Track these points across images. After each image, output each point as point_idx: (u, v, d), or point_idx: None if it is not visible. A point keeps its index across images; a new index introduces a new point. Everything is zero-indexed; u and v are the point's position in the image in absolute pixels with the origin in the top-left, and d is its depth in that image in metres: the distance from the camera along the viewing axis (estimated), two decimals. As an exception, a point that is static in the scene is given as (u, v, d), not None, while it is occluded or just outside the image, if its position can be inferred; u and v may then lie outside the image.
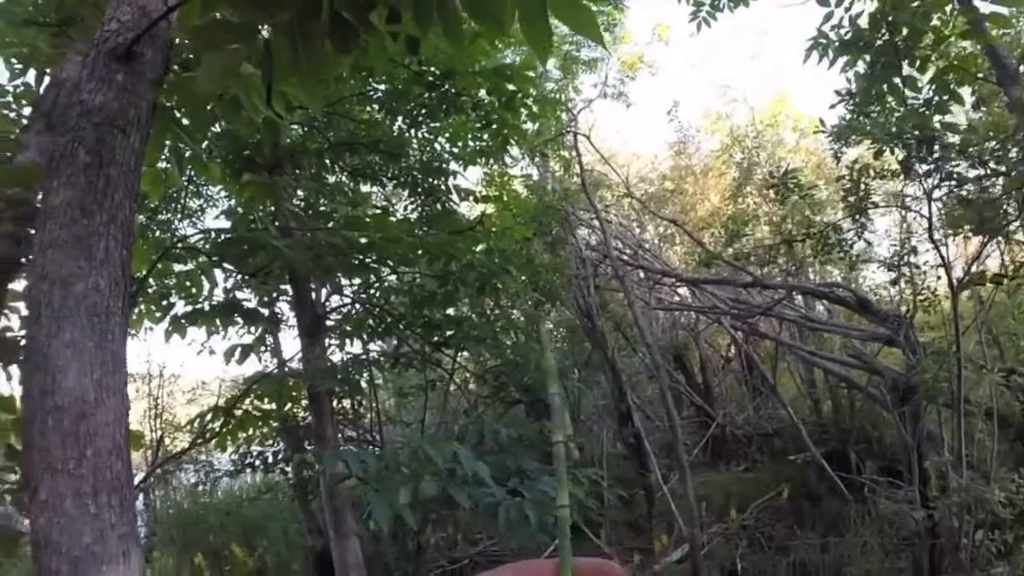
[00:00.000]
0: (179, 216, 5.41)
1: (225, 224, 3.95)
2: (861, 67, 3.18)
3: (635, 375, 10.29)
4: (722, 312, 8.44)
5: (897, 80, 3.09)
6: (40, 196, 2.33)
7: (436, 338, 5.55)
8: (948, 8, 2.82)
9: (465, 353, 7.23)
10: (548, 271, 7.26)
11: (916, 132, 3.23)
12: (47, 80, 2.67)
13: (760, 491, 7.35)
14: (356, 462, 3.47)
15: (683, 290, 9.84)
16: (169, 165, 2.64)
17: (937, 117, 3.22)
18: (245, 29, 1.87)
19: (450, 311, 5.93)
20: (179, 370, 8.84)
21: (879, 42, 2.95)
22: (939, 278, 4.22)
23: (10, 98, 3.10)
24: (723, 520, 6.77)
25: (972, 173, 3.40)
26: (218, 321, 3.84)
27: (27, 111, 3.02)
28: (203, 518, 8.44)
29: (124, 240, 2.01)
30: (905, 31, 2.83)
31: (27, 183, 2.27)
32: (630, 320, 8.53)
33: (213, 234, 3.71)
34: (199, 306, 3.68)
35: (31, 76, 3.05)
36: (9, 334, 2.56)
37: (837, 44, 3.10)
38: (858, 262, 5.65)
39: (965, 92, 3.54)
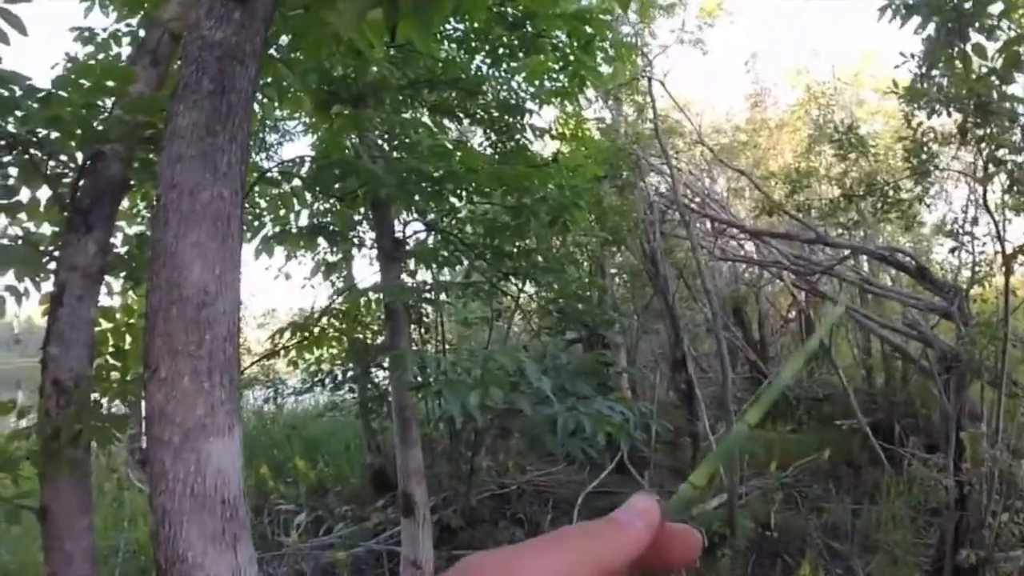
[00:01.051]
0: (256, 148, 5.66)
1: (310, 154, 4.22)
2: (932, 30, 3.20)
3: (694, 326, 10.39)
4: (784, 267, 8.42)
5: (962, 46, 3.11)
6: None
7: (505, 268, 5.78)
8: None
9: (531, 287, 7.50)
10: (615, 213, 7.37)
11: (974, 98, 3.25)
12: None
13: (802, 452, 7.49)
14: (434, 363, 3.79)
15: (748, 246, 9.80)
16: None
17: (1002, 87, 3.22)
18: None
19: (520, 243, 6.13)
20: (248, 299, 9.23)
21: (947, 7, 2.97)
22: (996, 252, 4.20)
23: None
24: (763, 475, 6.94)
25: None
26: (303, 243, 4.16)
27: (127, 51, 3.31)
28: (269, 433, 9.09)
29: (243, 156, 2.33)
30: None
31: (144, 111, 2.57)
32: (693, 269, 8.61)
33: (305, 161, 4.02)
34: (287, 228, 4.00)
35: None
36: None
37: (906, 6, 3.12)
38: (915, 224, 5.58)
39: None
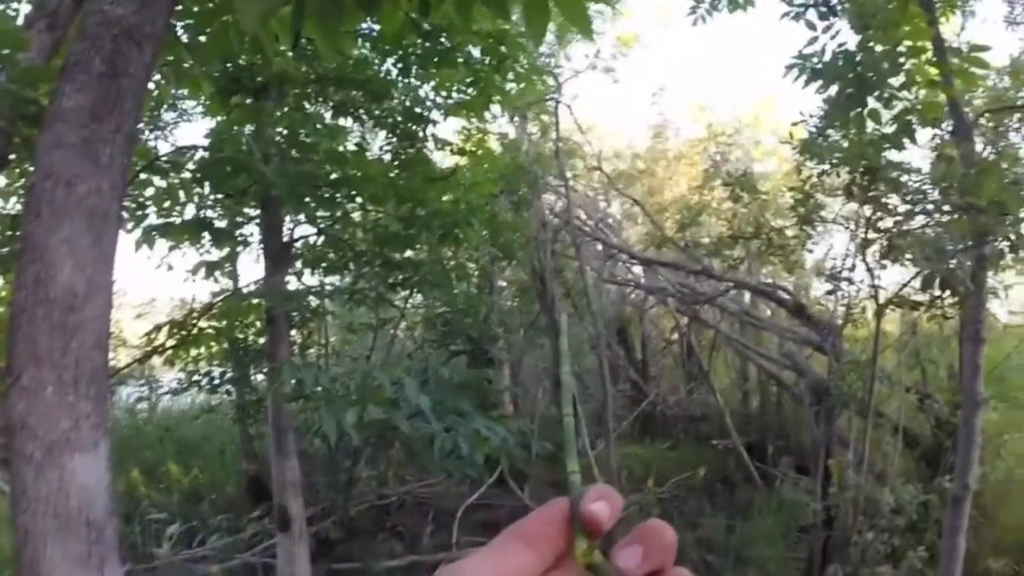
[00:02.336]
0: (151, 127, 5.35)
1: (203, 142, 3.98)
2: (833, 91, 3.41)
3: (578, 343, 10.61)
4: (669, 294, 8.76)
5: (860, 110, 3.33)
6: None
7: (393, 278, 5.70)
8: (922, 57, 3.06)
9: (417, 298, 7.41)
10: (509, 229, 7.41)
11: (862, 161, 3.50)
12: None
13: (680, 469, 7.74)
14: (311, 378, 3.66)
15: (637, 269, 10.12)
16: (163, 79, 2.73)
17: (890, 153, 3.49)
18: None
19: (409, 254, 6.07)
20: (128, 286, 8.72)
21: (850, 75, 3.17)
22: (871, 297, 4.55)
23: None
24: (640, 491, 7.13)
25: (903, 208, 3.69)
26: (187, 237, 3.91)
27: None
28: (141, 434, 8.58)
29: (127, 148, 2.13)
30: (874, 72, 3.06)
31: (32, 82, 2.32)
32: (581, 289, 8.79)
33: (199, 152, 3.76)
34: (171, 220, 3.75)
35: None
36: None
37: (811, 70, 3.32)
38: (796, 267, 5.97)
39: (926, 133, 3.84)
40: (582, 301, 9.36)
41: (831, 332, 5.39)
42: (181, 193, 3.60)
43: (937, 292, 3.57)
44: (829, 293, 5.46)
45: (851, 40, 3.20)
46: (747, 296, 8.13)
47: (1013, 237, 2.86)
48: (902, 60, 3.04)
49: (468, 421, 3.82)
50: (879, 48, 3.08)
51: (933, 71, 2.98)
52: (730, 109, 10.55)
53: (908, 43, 3.01)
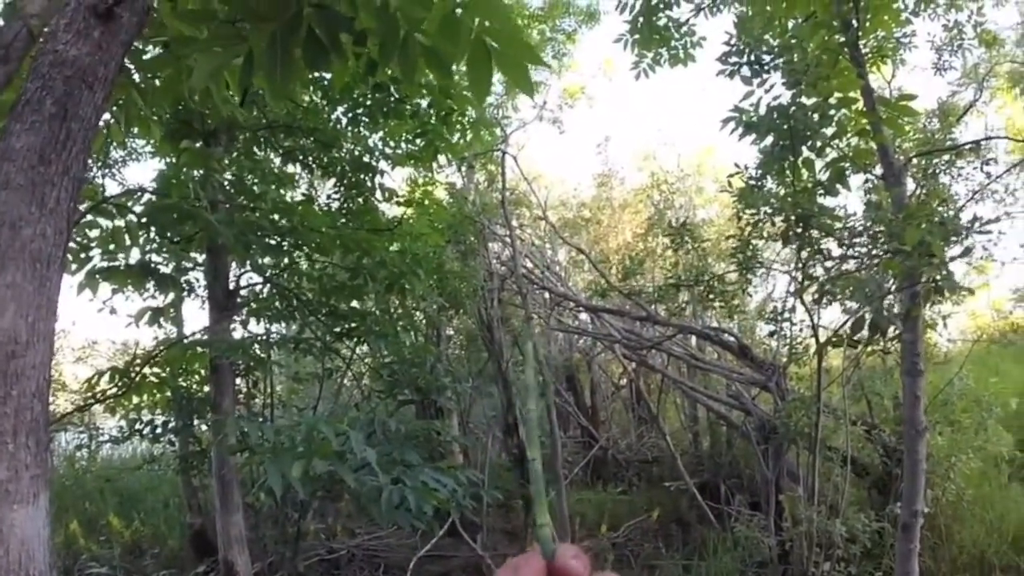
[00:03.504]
0: (99, 164, 5.24)
1: (149, 183, 3.92)
2: (768, 142, 3.59)
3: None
4: (615, 341, 8.87)
5: (794, 160, 3.52)
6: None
7: (339, 328, 5.65)
8: (852, 107, 3.27)
9: (364, 347, 7.31)
10: (456, 278, 7.45)
11: (796, 209, 3.68)
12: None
13: (633, 513, 7.74)
14: (255, 431, 3.58)
15: (584, 316, 10.24)
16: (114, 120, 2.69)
17: (825, 199, 3.68)
18: (234, 37, 2.03)
19: (356, 304, 6.03)
20: (70, 327, 8.37)
21: (784, 127, 3.36)
22: (811, 337, 4.71)
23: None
24: (594, 536, 7.09)
25: (837, 252, 3.89)
26: (131, 282, 3.81)
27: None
28: (81, 483, 8.15)
29: (73, 192, 2.10)
30: (806, 124, 3.26)
31: None
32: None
33: (146, 195, 3.69)
34: (116, 264, 3.64)
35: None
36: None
37: (746, 123, 3.49)
38: (737, 312, 6.16)
39: (858, 179, 4.07)
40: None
41: (775, 372, 5.55)
42: (127, 236, 3.51)
43: (868, 333, 3.73)
44: (771, 334, 5.65)
45: (785, 94, 3.40)
46: (693, 340, 8.30)
47: (938, 278, 3.02)
48: (832, 112, 3.24)
49: (416, 473, 3.80)
50: (811, 101, 3.28)
51: (863, 120, 3.18)
52: (674, 158, 10.97)
53: (839, 95, 3.21)
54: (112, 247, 3.55)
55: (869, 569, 4.38)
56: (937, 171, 4.46)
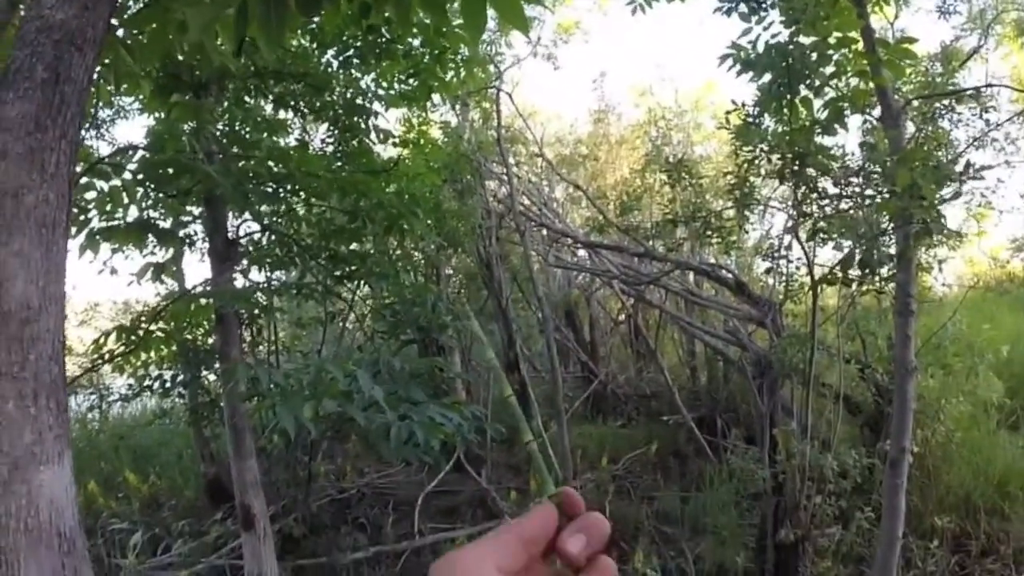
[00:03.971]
0: (88, 125, 5.17)
1: (140, 140, 3.89)
2: (767, 79, 3.55)
3: (527, 327, 10.73)
4: (614, 277, 8.93)
5: (791, 98, 3.49)
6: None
7: (339, 271, 5.68)
8: (851, 48, 3.22)
9: (365, 289, 7.37)
10: (454, 217, 7.45)
11: (793, 147, 3.67)
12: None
13: (632, 446, 7.95)
14: (265, 377, 3.65)
15: (582, 252, 10.27)
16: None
17: (823, 139, 3.67)
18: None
19: (355, 246, 6.05)
20: (71, 292, 8.36)
21: (782, 65, 3.32)
22: (807, 275, 4.76)
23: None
24: (596, 469, 7.30)
25: (832, 191, 3.89)
26: (130, 240, 3.81)
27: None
28: (95, 444, 8.34)
29: (72, 156, 2.10)
30: (804, 63, 3.22)
31: None
32: (527, 274, 8.89)
33: (139, 152, 3.66)
34: (115, 223, 3.65)
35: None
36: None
37: (744, 60, 3.45)
38: (734, 248, 6.18)
39: (856, 120, 4.05)
40: (528, 286, 9.47)
41: (771, 308, 5.62)
42: (123, 195, 3.51)
43: (859, 271, 3.77)
44: (768, 271, 5.69)
45: (783, 32, 3.35)
46: (691, 276, 8.36)
47: (928, 219, 3.04)
48: (831, 52, 3.20)
49: (422, 409, 3.87)
50: (809, 40, 3.24)
51: (863, 61, 3.14)
52: (671, 94, 10.77)
53: (838, 35, 3.16)
54: (109, 207, 3.54)
55: (859, 503, 4.55)
56: (936, 115, 4.41)
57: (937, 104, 4.32)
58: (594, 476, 7.17)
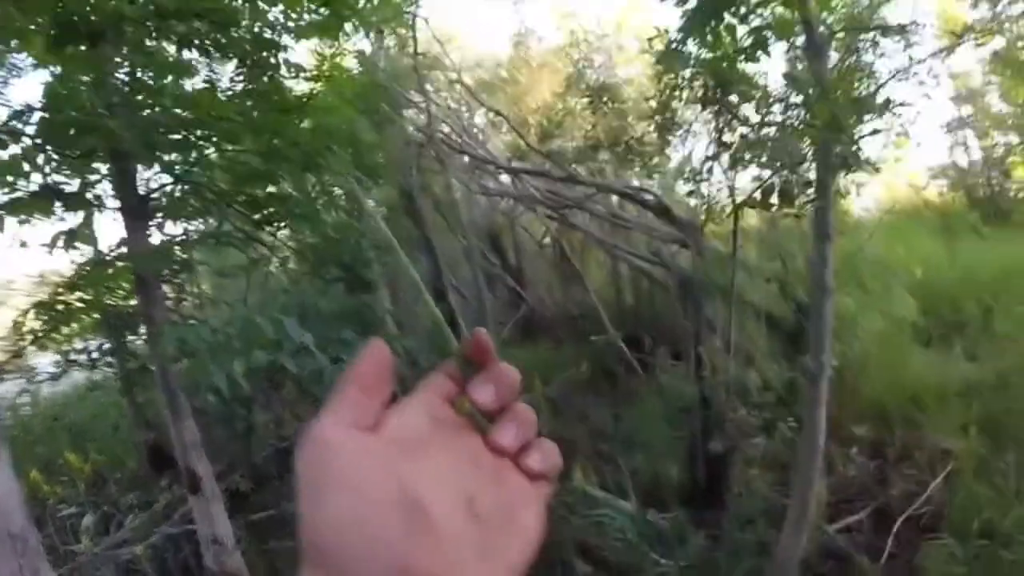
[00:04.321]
0: None
1: (38, 101, 3.56)
2: (691, 5, 3.54)
3: (454, 256, 10.72)
4: (538, 202, 8.97)
5: (716, 24, 3.50)
6: None
7: (258, 215, 5.50)
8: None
9: (286, 232, 7.16)
10: (372, 150, 7.25)
11: (716, 74, 3.72)
12: None
13: (564, 367, 8.19)
14: (194, 335, 3.56)
15: (505, 178, 10.22)
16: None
17: (746, 66, 3.72)
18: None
19: (272, 189, 5.85)
20: None
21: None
22: (729, 198, 4.91)
23: None
24: (529, 392, 7.50)
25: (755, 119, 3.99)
26: (37, 210, 3.55)
27: None
28: (29, 429, 7.99)
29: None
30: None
31: None
32: (450, 202, 8.82)
33: (34, 111, 3.36)
34: (18, 194, 3.37)
35: None
36: None
37: (670, -17, 3.42)
38: (655, 172, 6.30)
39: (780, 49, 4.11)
40: (452, 215, 9.40)
41: (694, 230, 5.80)
42: (24, 164, 3.24)
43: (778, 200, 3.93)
44: (690, 194, 5.83)
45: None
46: (614, 199, 8.47)
47: (846, 151, 3.17)
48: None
49: (353, 349, 3.88)
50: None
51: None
52: (594, 17, 10.56)
53: (767, -39, 3.18)
54: (10, 178, 3.27)
55: (783, 415, 4.88)
56: (861, 48, 4.50)
57: (862, 37, 4.41)
58: (528, 398, 7.33)
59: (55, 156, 3.53)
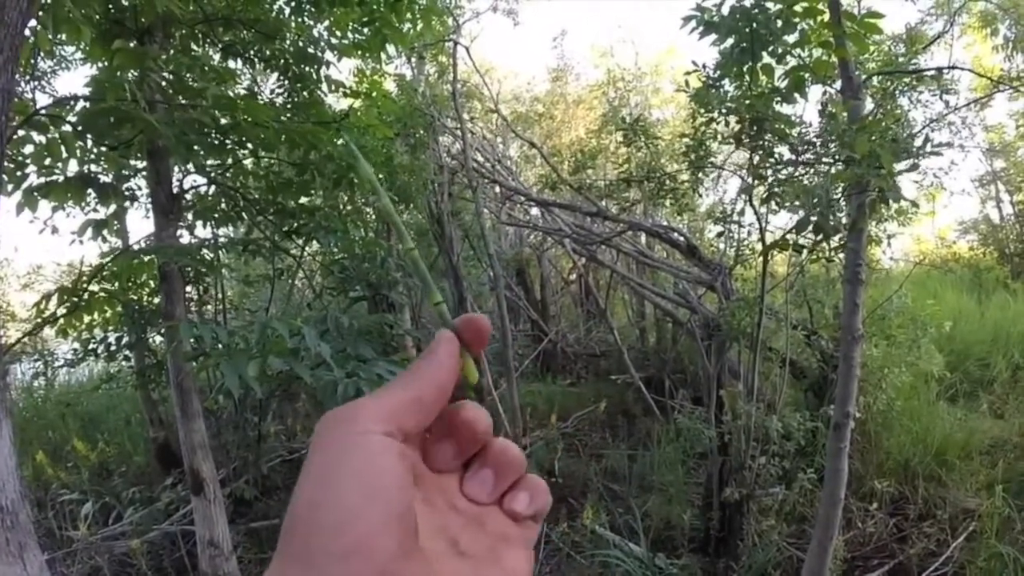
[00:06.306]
0: (27, 77, 4.86)
1: (84, 91, 3.64)
2: (729, 43, 3.54)
3: (478, 285, 10.72)
4: (566, 235, 8.95)
5: (753, 64, 3.49)
6: None
7: (287, 226, 5.54)
8: (817, 19, 3.22)
9: (314, 245, 7.22)
10: (406, 172, 7.32)
11: (752, 112, 3.68)
12: None
13: (582, 404, 8.10)
14: (209, 335, 3.54)
15: (535, 211, 10.25)
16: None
17: (782, 107, 3.68)
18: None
19: (304, 200, 5.91)
20: (11, 254, 7.96)
21: (745, 30, 3.30)
22: (758, 241, 4.84)
23: None
24: (545, 427, 7.41)
25: (787, 157, 3.94)
26: (71, 196, 3.60)
27: None
28: (41, 412, 8.07)
29: (4, 106, 1.96)
30: (768, 28, 3.21)
31: None
32: (479, 231, 8.83)
33: (80, 103, 3.43)
34: (54, 178, 3.42)
35: None
36: None
37: (707, 22, 3.42)
38: (687, 210, 6.25)
39: (816, 92, 4.09)
40: (480, 243, 9.42)
41: (721, 272, 5.71)
42: (62, 148, 3.29)
43: (813, 237, 3.85)
44: (720, 235, 5.77)
45: (748, -3, 3.32)
46: (643, 237, 8.42)
47: (885, 188, 3.10)
48: (797, 20, 3.19)
49: (370, 367, 3.84)
50: (775, 7, 3.22)
51: (827, 32, 3.14)
52: (632, 56, 10.73)
53: (804, 4, 3.16)
54: (48, 161, 3.32)
55: (802, 465, 4.73)
56: (896, 93, 4.47)
57: (897, 83, 4.37)
58: (543, 434, 7.28)
59: (93, 146, 3.58)
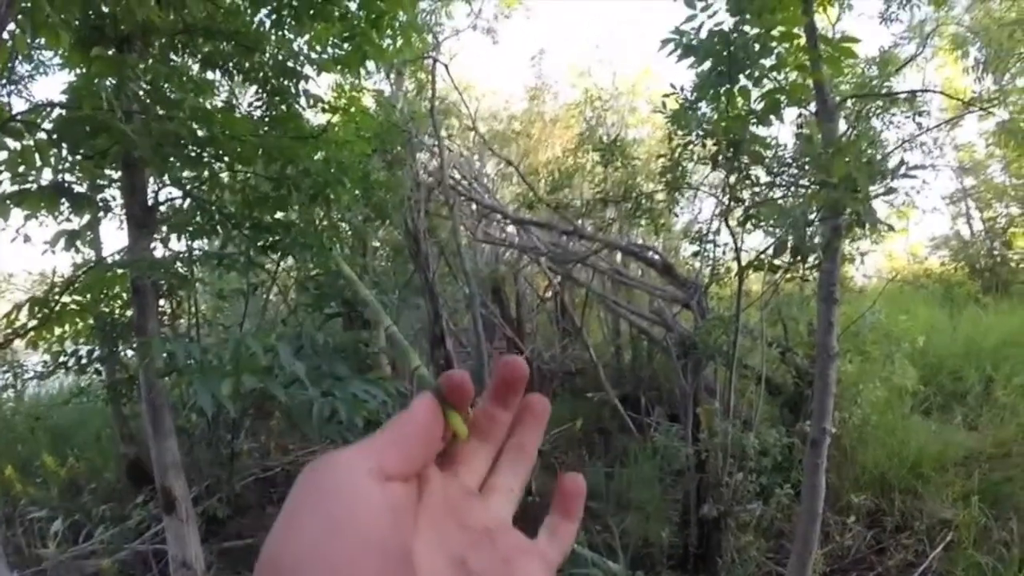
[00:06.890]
0: (4, 81, 4.77)
1: (62, 98, 3.58)
2: (706, 66, 3.60)
3: (454, 302, 10.69)
4: (542, 254, 8.99)
5: (730, 87, 3.56)
6: None
7: (263, 241, 5.49)
8: (794, 43, 3.30)
9: (289, 260, 7.16)
10: (382, 188, 7.31)
11: (728, 134, 3.75)
12: None
13: (558, 422, 8.05)
14: (182, 351, 3.48)
15: (511, 228, 10.28)
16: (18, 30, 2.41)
17: (758, 128, 3.76)
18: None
19: (280, 215, 5.86)
20: None
21: (723, 53, 3.37)
22: (733, 260, 4.92)
23: None
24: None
25: (764, 179, 4.03)
26: (44, 205, 3.53)
27: None
28: (10, 426, 7.90)
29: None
30: (745, 53, 3.28)
31: None
32: (455, 248, 8.83)
33: (56, 110, 3.37)
34: (28, 186, 3.35)
35: None
36: None
37: (685, 45, 3.48)
38: (663, 230, 6.32)
39: (791, 114, 4.18)
40: (456, 261, 9.41)
41: (697, 291, 5.78)
42: (36, 156, 3.23)
43: (789, 258, 3.91)
44: (695, 255, 5.85)
45: (727, 20, 3.39)
46: (618, 256, 8.49)
47: (860, 210, 3.16)
48: (774, 44, 3.27)
49: (345, 385, 3.79)
50: (753, 31, 3.29)
51: (803, 56, 3.22)
52: (609, 76, 10.88)
53: (782, 28, 3.23)
54: (22, 169, 3.26)
55: (779, 480, 4.78)
56: (870, 115, 4.59)
57: (871, 105, 4.49)
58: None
59: (68, 154, 3.52)
